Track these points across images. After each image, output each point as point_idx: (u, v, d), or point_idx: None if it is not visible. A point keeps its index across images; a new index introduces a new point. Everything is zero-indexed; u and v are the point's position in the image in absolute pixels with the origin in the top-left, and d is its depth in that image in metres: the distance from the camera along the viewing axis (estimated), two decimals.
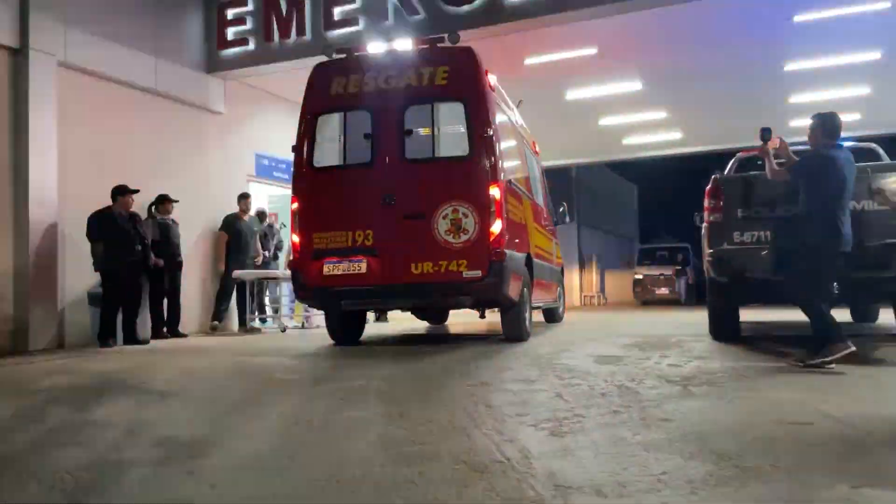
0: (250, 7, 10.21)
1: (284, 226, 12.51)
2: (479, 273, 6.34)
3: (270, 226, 12.11)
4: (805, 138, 5.61)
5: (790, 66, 11.16)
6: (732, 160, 8.14)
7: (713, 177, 6.67)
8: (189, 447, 3.09)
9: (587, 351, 6.46)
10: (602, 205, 31.43)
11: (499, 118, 6.89)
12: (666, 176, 32.21)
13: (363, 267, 6.53)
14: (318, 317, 11.11)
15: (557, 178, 18.38)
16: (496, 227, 6.39)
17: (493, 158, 6.46)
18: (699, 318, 11.62)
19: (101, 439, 3.27)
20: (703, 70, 11.39)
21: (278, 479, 2.58)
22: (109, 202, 8.37)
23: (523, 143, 8.75)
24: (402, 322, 11.70)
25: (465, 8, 8.78)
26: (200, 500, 2.39)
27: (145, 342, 8.41)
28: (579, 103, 12.96)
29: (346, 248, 6.58)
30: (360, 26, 9.48)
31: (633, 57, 10.84)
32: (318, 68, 7.09)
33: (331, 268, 6.61)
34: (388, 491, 2.38)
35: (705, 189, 6.62)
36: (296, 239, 6.88)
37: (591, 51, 10.27)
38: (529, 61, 10.73)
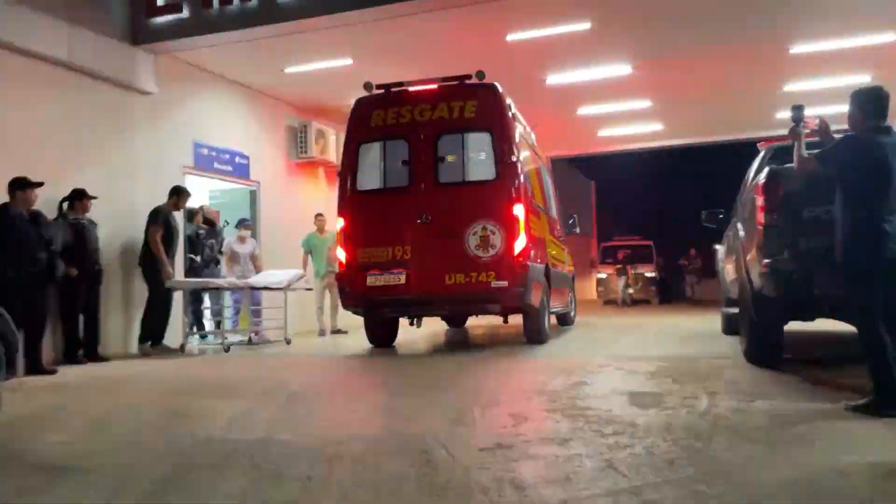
0: None
1: (228, 223, 10.95)
2: (505, 283, 7.17)
3: (212, 225, 10.51)
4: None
5: (797, 49, 10.09)
6: (764, 151, 6.94)
7: (768, 169, 5.45)
8: None
9: (613, 384, 5.25)
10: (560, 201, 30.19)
11: (518, 143, 7.63)
12: (626, 171, 31.45)
13: (402, 278, 7.35)
14: (275, 331, 9.62)
15: None
16: (520, 242, 7.23)
17: (516, 182, 7.33)
18: (698, 326, 10.90)
19: None
20: (700, 51, 10.25)
21: None
22: (6, 198, 6.73)
23: (539, 162, 9.55)
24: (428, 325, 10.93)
25: None
26: None
27: (52, 372, 6.78)
28: (560, 90, 11.71)
29: (387, 262, 7.42)
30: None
31: (626, 35, 9.64)
32: (361, 101, 7.92)
33: (374, 279, 7.44)
34: None
35: (761, 184, 5.37)
36: (342, 253, 7.75)
37: (584, 25, 8.99)
38: (512, 37, 9.40)
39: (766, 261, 5.17)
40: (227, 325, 10.03)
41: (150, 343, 8.45)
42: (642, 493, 2.63)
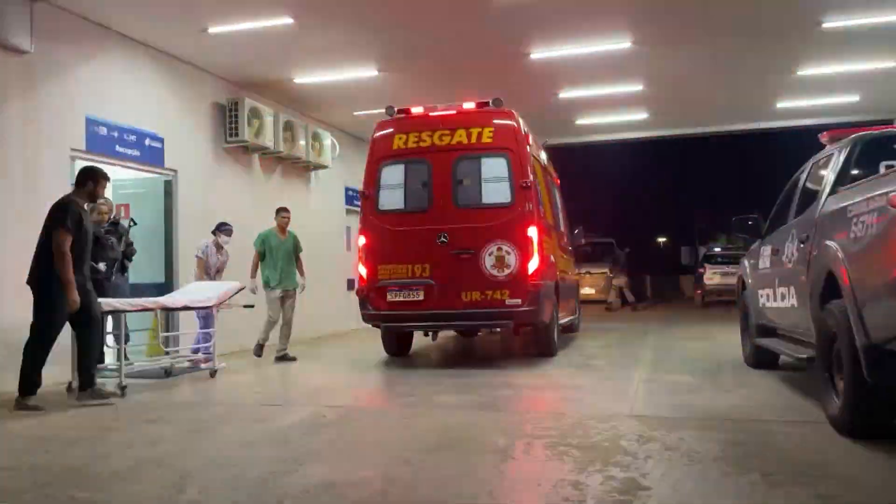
0: None
1: (135, 223, 8.79)
2: (518, 301, 7.59)
3: (115, 223, 8.30)
4: None
5: (830, 24, 8.46)
6: (847, 144, 5.18)
7: None
8: None
9: (678, 484, 3.42)
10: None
11: (532, 166, 8.02)
12: (586, 166, 30.07)
13: (421, 295, 7.77)
14: (228, 357, 7.52)
15: None
16: (533, 263, 7.62)
17: (530, 205, 7.73)
18: (704, 345, 9.27)
19: None
20: (714, 21, 8.53)
21: None
22: None
23: (549, 180, 9.81)
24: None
25: None
26: None
27: None
28: (544, 67, 9.91)
29: (406, 279, 7.81)
30: None
31: (628, 2, 7.90)
32: (382, 123, 8.31)
33: (394, 295, 7.83)
34: None
35: None
36: (363, 270, 8.09)
37: None
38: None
39: None
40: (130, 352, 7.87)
41: (31, 396, 5.91)
42: None
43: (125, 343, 7.48)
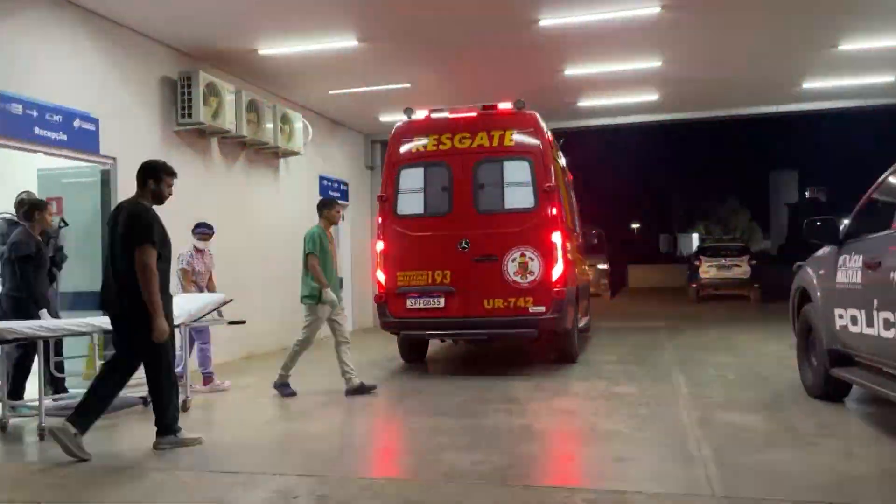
0: None
1: (66, 224, 7.31)
2: (543, 309, 7.53)
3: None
4: None
5: None
6: None
7: None
8: None
9: None
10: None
11: (555, 170, 7.95)
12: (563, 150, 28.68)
13: (442, 302, 7.67)
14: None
15: None
16: (557, 269, 7.56)
17: (553, 210, 7.67)
18: (735, 358, 7.47)
19: None
20: None
21: None
22: None
23: (566, 181, 9.48)
24: None
25: None
26: None
27: None
28: (552, 37, 8.51)
29: (426, 286, 7.73)
30: None
31: None
32: (401, 126, 8.13)
33: (413, 302, 7.76)
34: None
35: None
36: (381, 276, 7.97)
37: None
38: None
39: None
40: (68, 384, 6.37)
41: None
42: None
43: (50, 373, 6.07)
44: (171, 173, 5.23)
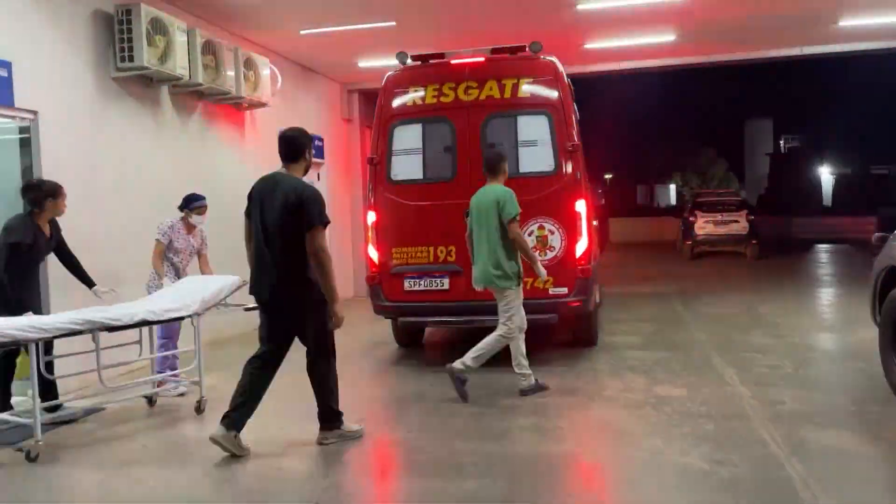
0: None
1: None
2: (565, 290, 6.46)
3: None
4: None
5: None
6: None
7: None
8: None
9: None
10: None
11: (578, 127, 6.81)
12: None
13: (446, 283, 6.61)
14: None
15: None
16: (582, 243, 6.45)
17: (578, 173, 6.51)
18: (775, 331, 7.32)
19: None
20: None
21: None
22: None
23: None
24: None
25: None
26: None
27: None
28: None
29: (427, 265, 6.67)
30: None
31: None
32: (394, 75, 6.92)
33: (412, 284, 6.69)
34: None
35: None
36: (374, 253, 6.88)
37: None
38: None
39: None
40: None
41: None
42: None
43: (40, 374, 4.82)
44: (313, 139, 4.85)
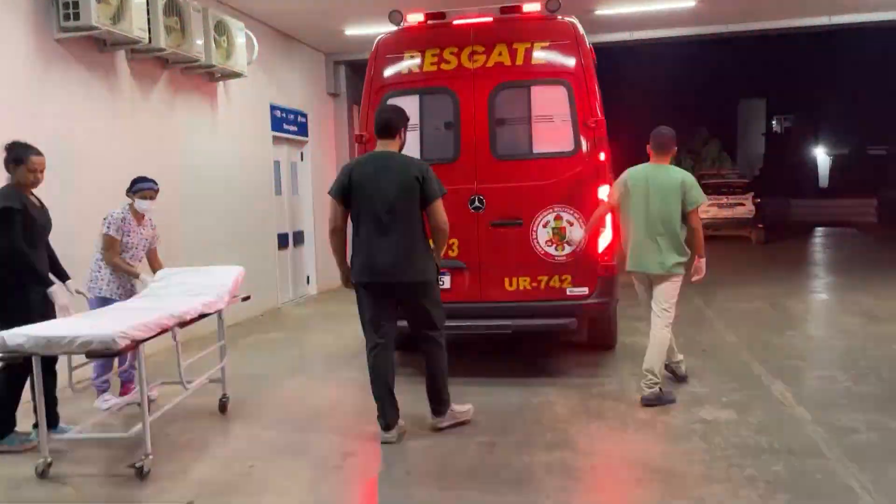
0: None
1: None
2: (585, 290, 5.66)
3: None
4: None
5: None
6: None
7: None
8: None
9: None
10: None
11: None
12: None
13: (447, 282, 5.68)
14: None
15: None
16: (606, 236, 5.63)
17: (601, 154, 5.63)
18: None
19: None
20: None
21: None
22: None
23: None
24: None
25: None
26: None
27: None
28: None
29: None
30: None
31: None
32: (386, 39, 5.94)
33: None
34: None
35: None
36: None
37: None
38: None
39: None
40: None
41: None
42: None
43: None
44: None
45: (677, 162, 28.22)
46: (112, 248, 5.18)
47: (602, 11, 9.46)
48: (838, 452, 4.02)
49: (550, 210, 5.60)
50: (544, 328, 5.95)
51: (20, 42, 5.68)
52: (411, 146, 5.86)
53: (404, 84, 5.85)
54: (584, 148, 5.60)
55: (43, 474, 3.95)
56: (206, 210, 8.00)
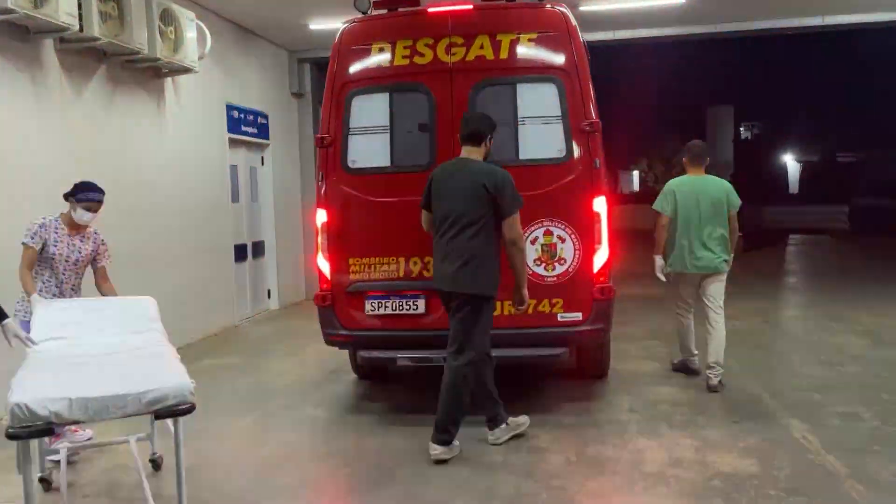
0: None
1: None
2: (578, 316, 5.04)
3: None
4: None
5: None
6: None
7: None
8: None
9: None
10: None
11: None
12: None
13: (421, 305, 5.10)
14: None
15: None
16: (601, 254, 5.00)
17: (596, 161, 5.00)
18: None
19: None
20: None
21: None
22: None
23: None
24: None
25: None
26: None
27: None
28: None
29: (396, 280, 5.16)
30: None
31: None
32: (351, 28, 5.24)
33: (376, 306, 5.16)
34: None
35: None
36: (324, 265, 5.26)
37: None
38: None
39: None
40: None
41: None
42: None
43: None
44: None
45: (650, 167, 28.33)
46: (25, 258, 4.36)
47: (587, 7, 8.82)
48: None
49: (539, 224, 4.97)
50: (532, 358, 5.29)
51: None
52: (380, 150, 5.21)
53: (372, 80, 5.19)
54: (577, 154, 4.97)
55: None
56: (149, 222, 7.17)
